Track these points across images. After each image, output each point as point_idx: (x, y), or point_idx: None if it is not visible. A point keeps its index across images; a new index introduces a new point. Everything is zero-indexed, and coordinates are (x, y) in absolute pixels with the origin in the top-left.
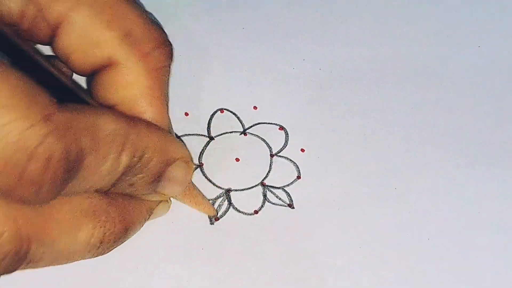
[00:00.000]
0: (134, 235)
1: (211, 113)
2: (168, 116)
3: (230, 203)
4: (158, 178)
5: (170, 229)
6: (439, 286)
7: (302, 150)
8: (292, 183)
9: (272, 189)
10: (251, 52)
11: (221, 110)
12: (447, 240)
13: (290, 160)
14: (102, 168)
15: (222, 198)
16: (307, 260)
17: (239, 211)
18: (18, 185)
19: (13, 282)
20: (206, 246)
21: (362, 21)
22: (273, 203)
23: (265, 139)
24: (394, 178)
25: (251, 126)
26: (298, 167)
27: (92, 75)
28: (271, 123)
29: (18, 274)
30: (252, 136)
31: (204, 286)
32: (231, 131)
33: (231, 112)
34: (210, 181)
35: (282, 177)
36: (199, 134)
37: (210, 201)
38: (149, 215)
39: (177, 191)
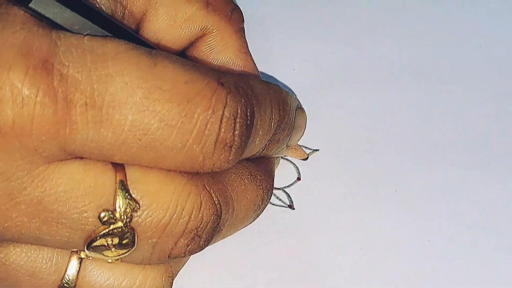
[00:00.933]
0: None
1: None
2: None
3: None
4: (292, 128)
5: None
6: (440, 287)
7: None
8: (292, 184)
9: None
10: (251, 52)
11: None
12: (448, 242)
13: (290, 161)
14: (264, 123)
15: None
16: (307, 261)
17: None
18: (215, 150)
19: None
20: None
21: (363, 21)
22: (273, 204)
23: None
24: (394, 180)
25: None
26: (298, 169)
27: (183, 50)
28: None
29: None
30: None
31: (204, 286)
32: None
33: None
34: None
35: (282, 178)
36: None
37: None
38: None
39: (299, 138)
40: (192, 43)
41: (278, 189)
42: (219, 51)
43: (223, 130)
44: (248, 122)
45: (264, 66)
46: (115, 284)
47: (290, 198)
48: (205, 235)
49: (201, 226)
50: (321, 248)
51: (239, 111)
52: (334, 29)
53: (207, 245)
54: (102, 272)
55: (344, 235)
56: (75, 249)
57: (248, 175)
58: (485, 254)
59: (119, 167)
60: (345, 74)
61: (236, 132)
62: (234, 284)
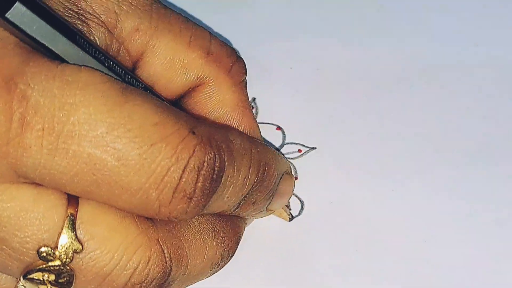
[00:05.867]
0: None
1: None
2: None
3: None
4: (273, 193)
5: None
6: (438, 286)
7: (300, 150)
8: None
9: None
10: (249, 52)
11: None
12: (446, 242)
13: (288, 160)
14: (236, 181)
15: None
16: (304, 260)
17: None
18: (172, 199)
19: None
20: None
21: (360, 21)
22: None
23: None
24: (392, 179)
25: None
26: (295, 168)
27: (178, 98)
28: (269, 123)
29: None
30: None
31: (203, 285)
32: None
33: None
34: None
35: None
36: None
37: None
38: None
39: (283, 204)
40: (188, 92)
41: None
42: (215, 103)
43: (184, 180)
44: (214, 177)
45: (262, 65)
46: None
47: None
48: None
49: (145, 281)
50: (318, 247)
51: (205, 163)
52: (332, 28)
53: None
54: None
55: (341, 234)
56: (13, 276)
57: (210, 230)
58: (483, 254)
59: (73, 200)
60: (342, 74)
61: (199, 184)
62: (232, 283)
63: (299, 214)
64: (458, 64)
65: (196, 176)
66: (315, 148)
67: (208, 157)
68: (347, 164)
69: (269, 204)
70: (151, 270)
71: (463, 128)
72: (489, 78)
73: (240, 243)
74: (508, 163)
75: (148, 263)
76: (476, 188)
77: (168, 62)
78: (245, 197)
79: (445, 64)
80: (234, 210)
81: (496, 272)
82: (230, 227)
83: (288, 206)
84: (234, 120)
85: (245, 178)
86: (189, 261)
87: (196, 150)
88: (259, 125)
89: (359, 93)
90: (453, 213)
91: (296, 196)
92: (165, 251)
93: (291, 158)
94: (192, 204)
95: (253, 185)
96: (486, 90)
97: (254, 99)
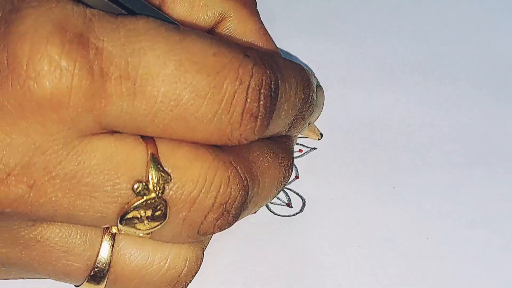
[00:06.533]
0: None
1: None
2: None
3: None
4: (313, 106)
5: None
6: (438, 285)
7: (300, 150)
8: (290, 182)
9: None
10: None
11: None
12: (446, 239)
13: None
14: (289, 97)
15: None
16: (305, 259)
17: None
18: (242, 120)
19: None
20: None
21: (362, 20)
22: (271, 202)
23: None
24: (392, 177)
25: None
26: (296, 167)
27: None
28: None
29: None
30: None
31: (202, 285)
32: None
33: None
34: None
35: None
36: None
37: None
38: None
39: (318, 115)
40: (211, 30)
41: None
42: (239, 34)
43: (249, 100)
44: (273, 94)
45: None
46: (149, 258)
47: (288, 196)
48: (234, 211)
49: (229, 201)
50: (319, 245)
51: (263, 82)
52: (333, 27)
53: (235, 221)
54: (135, 248)
55: (342, 232)
56: (107, 225)
57: (270, 152)
58: (483, 252)
59: (149, 141)
60: (343, 73)
61: (261, 102)
62: (232, 282)
63: (300, 211)
64: (459, 63)
65: (258, 95)
66: (316, 148)
67: (265, 76)
68: (347, 162)
69: (311, 117)
70: (233, 189)
71: (464, 128)
72: (490, 78)
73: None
74: (508, 163)
75: (228, 183)
76: (475, 186)
77: (190, 3)
78: (297, 114)
79: (445, 63)
80: (288, 129)
81: (496, 271)
82: (285, 148)
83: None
84: (260, 47)
85: (296, 94)
86: (260, 181)
87: (254, 71)
88: None
89: (360, 92)
90: (454, 210)
91: (298, 194)
92: (240, 171)
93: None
94: (258, 122)
95: (302, 100)
96: (487, 90)
97: None
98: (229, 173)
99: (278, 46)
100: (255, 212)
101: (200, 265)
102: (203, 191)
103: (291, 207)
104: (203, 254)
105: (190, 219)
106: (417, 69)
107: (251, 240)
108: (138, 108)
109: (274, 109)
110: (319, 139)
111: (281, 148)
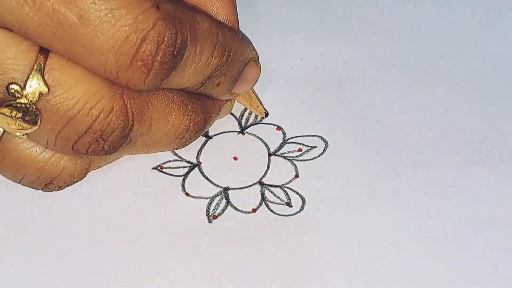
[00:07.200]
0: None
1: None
2: (238, 18)
3: (228, 202)
4: (237, 77)
5: (168, 227)
6: (437, 285)
7: (300, 150)
8: (290, 181)
9: (270, 188)
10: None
11: None
12: (446, 239)
13: (288, 159)
14: (199, 61)
15: (220, 196)
16: (305, 258)
17: (237, 210)
18: (130, 66)
19: (12, 282)
20: (204, 244)
21: (360, 20)
22: (271, 202)
23: (263, 138)
24: (392, 177)
25: (249, 126)
26: (296, 166)
27: None
28: (269, 123)
29: (16, 273)
30: (250, 136)
31: (202, 284)
32: (229, 130)
33: None
34: (208, 179)
35: (280, 176)
36: None
37: (208, 200)
38: (219, 112)
39: (247, 89)
40: None
41: (276, 186)
42: None
43: (142, 50)
44: (175, 53)
45: (262, 65)
46: (34, 150)
47: (288, 195)
48: (110, 141)
49: (106, 130)
50: (319, 245)
51: (166, 38)
52: (331, 28)
53: (113, 151)
54: (27, 140)
55: (341, 232)
56: None
57: (178, 102)
58: (483, 252)
59: (44, 51)
60: (342, 74)
61: (158, 57)
62: (232, 282)
63: (300, 210)
64: (458, 64)
65: (155, 48)
66: (315, 147)
67: (169, 32)
68: (347, 162)
69: (233, 87)
70: (112, 120)
71: (463, 128)
72: (489, 78)
73: (211, 124)
74: (508, 162)
75: (110, 113)
76: (475, 185)
77: None
78: (209, 78)
79: (445, 64)
80: (198, 88)
81: (496, 271)
82: (200, 105)
83: (261, 103)
84: (215, 8)
85: (208, 59)
86: (153, 123)
87: (157, 24)
88: (258, 125)
89: (359, 93)
90: (454, 210)
91: (298, 193)
92: (128, 107)
93: (292, 157)
94: (150, 75)
95: (216, 67)
96: (486, 90)
97: None
98: (114, 104)
99: (278, 46)
100: (254, 211)
101: (77, 180)
102: (81, 112)
103: (291, 206)
104: (85, 172)
105: (64, 134)
106: (417, 69)
107: (250, 239)
108: (25, 14)
109: (173, 68)
110: (263, 118)
111: (196, 104)
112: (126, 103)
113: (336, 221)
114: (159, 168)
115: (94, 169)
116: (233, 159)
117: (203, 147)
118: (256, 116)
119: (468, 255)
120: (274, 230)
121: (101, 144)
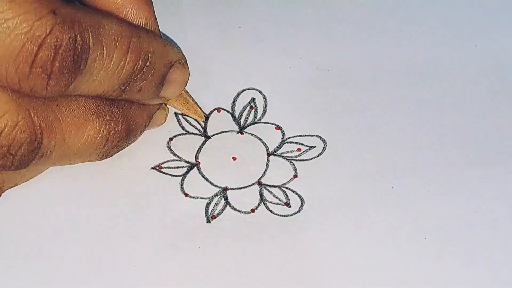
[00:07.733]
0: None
1: (207, 112)
2: (157, 21)
3: (226, 202)
4: (161, 81)
5: (167, 227)
6: (437, 285)
7: (299, 149)
8: (289, 181)
9: (269, 188)
10: (247, 51)
11: (218, 109)
12: (445, 239)
13: (287, 159)
14: (108, 65)
15: (219, 196)
16: (304, 258)
17: (236, 210)
18: (29, 74)
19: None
20: (203, 245)
21: (359, 19)
22: (270, 202)
23: (262, 138)
24: (391, 177)
25: (248, 126)
26: (295, 166)
27: None
28: (268, 123)
29: (16, 273)
30: (249, 135)
31: (201, 284)
32: (227, 130)
33: (227, 111)
34: (206, 179)
35: (279, 176)
36: (195, 133)
37: (207, 200)
38: (149, 120)
39: (176, 92)
40: None
41: (275, 186)
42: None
43: (39, 56)
44: (75, 57)
45: (261, 63)
46: None
47: (287, 196)
48: (19, 155)
49: (13, 145)
50: (317, 245)
51: (64, 42)
52: (331, 27)
53: (24, 165)
54: None
55: (340, 232)
56: None
57: (94, 111)
58: (482, 252)
59: None
60: (342, 73)
61: (56, 63)
62: (231, 282)
63: (299, 211)
64: (458, 64)
65: (53, 53)
66: (315, 147)
67: (67, 36)
68: (346, 162)
69: (160, 91)
70: (17, 135)
71: (463, 128)
72: (488, 78)
73: (139, 133)
74: (508, 162)
75: (14, 128)
76: (474, 186)
77: None
78: (128, 82)
79: (444, 64)
80: (118, 95)
81: (496, 271)
82: (120, 113)
83: (198, 106)
84: (131, 12)
85: (119, 64)
86: (66, 134)
87: (54, 29)
88: (257, 125)
89: (358, 92)
90: (453, 210)
91: (296, 193)
92: (35, 120)
93: (291, 157)
94: (52, 81)
95: (132, 72)
96: (486, 90)
97: (253, 99)
98: (19, 118)
99: (277, 46)
100: (253, 212)
101: None
102: None
103: (290, 206)
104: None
105: None
106: (417, 69)
107: (249, 240)
108: None
109: (76, 72)
110: (203, 121)
111: (115, 112)
112: (33, 116)
113: (335, 221)
114: (157, 168)
115: (12, 187)
116: (231, 159)
117: (202, 147)
118: (255, 115)
119: (467, 255)
120: (272, 231)
121: (9, 159)
